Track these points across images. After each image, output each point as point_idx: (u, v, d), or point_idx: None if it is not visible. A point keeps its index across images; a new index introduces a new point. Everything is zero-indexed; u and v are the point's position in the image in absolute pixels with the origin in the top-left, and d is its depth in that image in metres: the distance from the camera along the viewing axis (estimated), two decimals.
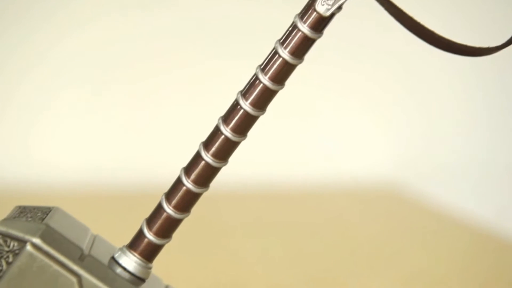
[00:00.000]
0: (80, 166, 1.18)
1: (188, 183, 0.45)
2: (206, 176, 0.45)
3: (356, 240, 0.99)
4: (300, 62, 0.44)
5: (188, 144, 0.60)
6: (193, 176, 0.45)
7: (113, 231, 0.53)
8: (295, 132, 1.27)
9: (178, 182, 0.45)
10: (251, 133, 0.45)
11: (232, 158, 0.45)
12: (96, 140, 1.20)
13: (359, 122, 1.29)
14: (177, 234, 0.46)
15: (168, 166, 0.79)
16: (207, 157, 0.45)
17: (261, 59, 0.45)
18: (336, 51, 1.22)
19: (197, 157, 0.45)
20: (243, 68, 0.69)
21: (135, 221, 0.49)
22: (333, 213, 1.13)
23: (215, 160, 0.45)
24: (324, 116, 1.28)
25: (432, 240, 1.03)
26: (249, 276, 0.84)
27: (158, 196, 0.46)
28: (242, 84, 0.45)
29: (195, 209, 0.46)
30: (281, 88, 0.44)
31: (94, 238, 0.47)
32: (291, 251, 0.93)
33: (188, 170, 0.45)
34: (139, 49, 1.20)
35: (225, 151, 0.45)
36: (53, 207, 0.46)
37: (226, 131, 0.44)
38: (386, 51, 1.28)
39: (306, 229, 1.03)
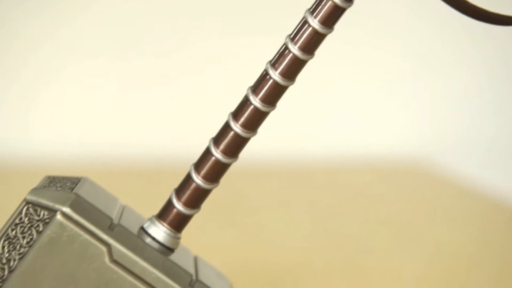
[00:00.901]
0: (105, 140, 1.18)
1: (217, 153, 0.45)
2: (235, 146, 0.45)
3: (381, 216, 0.99)
4: (330, 32, 0.44)
5: (215, 117, 0.60)
6: (222, 146, 0.45)
7: (139, 206, 0.53)
8: (318, 107, 1.26)
9: (207, 153, 0.45)
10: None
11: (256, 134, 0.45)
12: (122, 114, 1.20)
13: (384, 97, 1.28)
14: (203, 208, 0.46)
15: (195, 139, 0.79)
16: (236, 127, 0.44)
17: (286, 32, 0.45)
18: (361, 27, 1.22)
19: (226, 127, 0.45)
20: (268, 41, 0.69)
21: (161, 195, 0.49)
22: (357, 189, 1.13)
23: (244, 130, 0.44)
24: (348, 91, 1.27)
25: (457, 214, 1.02)
26: (274, 251, 0.84)
27: (184, 170, 0.46)
28: (268, 57, 0.45)
29: (221, 183, 0.46)
30: (311, 57, 0.44)
31: (123, 208, 0.47)
32: (316, 227, 0.93)
33: (217, 140, 0.45)
34: (163, 23, 1.20)
35: (255, 121, 0.44)
36: (82, 177, 0.46)
37: (255, 101, 0.44)
38: (409, 28, 1.28)
39: (331, 206, 1.03)
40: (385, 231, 0.93)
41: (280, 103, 0.45)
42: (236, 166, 0.46)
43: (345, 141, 1.26)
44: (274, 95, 0.44)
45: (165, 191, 0.48)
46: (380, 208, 1.04)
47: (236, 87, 0.60)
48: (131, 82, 1.21)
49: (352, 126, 1.28)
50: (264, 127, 0.46)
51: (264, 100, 0.44)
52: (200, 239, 0.52)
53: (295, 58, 0.43)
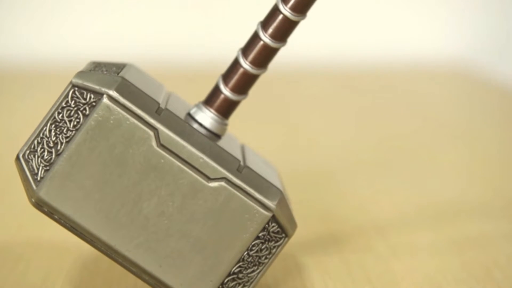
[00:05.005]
0: (143, 42, 1.18)
1: (265, 37, 0.44)
2: (284, 30, 0.44)
3: (425, 116, 0.98)
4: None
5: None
6: (270, 30, 0.44)
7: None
8: (363, 10, 1.24)
9: (255, 37, 0.44)
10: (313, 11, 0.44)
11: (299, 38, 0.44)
12: (161, 17, 1.19)
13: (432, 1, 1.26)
14: (247, 108, 0.45)
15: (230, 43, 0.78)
16: (286, 10, 0.43)
17: None
18: None
19: (275, 11, 0.44)
20: None
21: (198, 96, 0.48)
22: (404, 92, 1.11)
23: (293, 13, 0.43)
24: None
25: (503, 118, 1.01)
26: (317, 152, 0.84)
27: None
28: None
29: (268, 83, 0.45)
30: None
31: (169, 94, 0.46)
32: (359, 129, 0.93)
33: (265, 24, 0.44)
34: None
35: (305, 4, 0.44)
36: (127, 63, 0.45)
37: None
38: None
39: (375, 108, 1.02)
40: (429, 132, 0.92)
41: (326, 8, 0.44)
42: (283, 69, 0.45)
43: (391, 44, 1.24)
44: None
45: (204, 92, 0.47)
46: (424, 109, 1.02)
47: None
48: None
49: (397, 29, 1.26)
50: (310, 33, 0.45)
51: None
52: (241, 138, 0.51)
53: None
